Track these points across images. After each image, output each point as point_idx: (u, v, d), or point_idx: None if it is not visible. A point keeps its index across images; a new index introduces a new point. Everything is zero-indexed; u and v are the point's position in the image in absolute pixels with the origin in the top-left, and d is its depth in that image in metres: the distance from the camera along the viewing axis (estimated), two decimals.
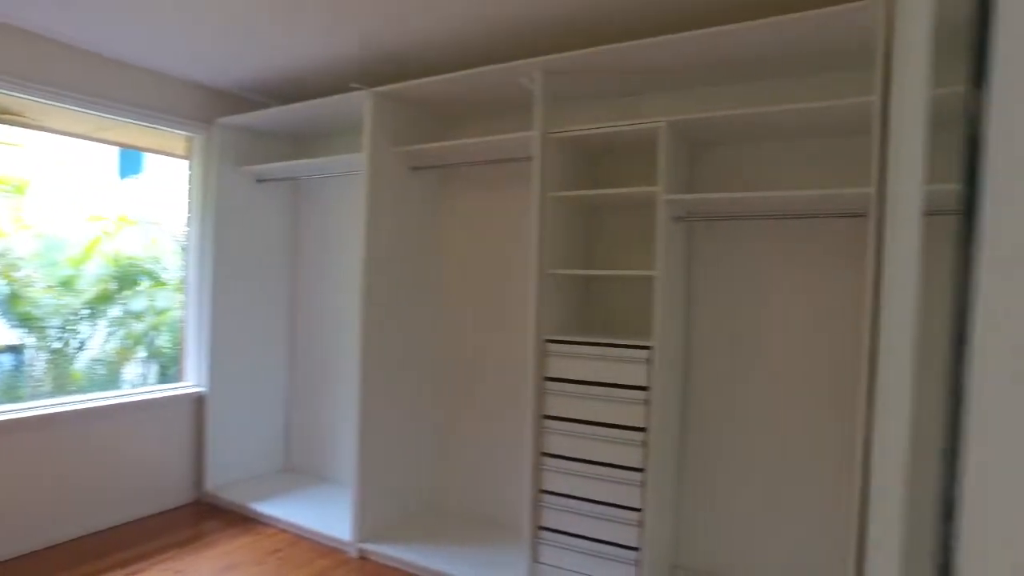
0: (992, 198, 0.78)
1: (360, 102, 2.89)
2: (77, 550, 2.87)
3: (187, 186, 3.55)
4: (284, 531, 3.15)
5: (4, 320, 3.03)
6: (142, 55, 3.07)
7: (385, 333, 3.00)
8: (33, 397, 3.02)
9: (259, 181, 3.66)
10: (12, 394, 2.98)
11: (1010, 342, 0.70)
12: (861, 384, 1.89)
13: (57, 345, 3.21)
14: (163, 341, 3.61)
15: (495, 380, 3.14)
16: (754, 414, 2.53)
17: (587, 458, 2.42)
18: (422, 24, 2.54)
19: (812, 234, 2.42)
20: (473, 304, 3.23)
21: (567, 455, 2.47)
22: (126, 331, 3.50)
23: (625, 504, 2.35)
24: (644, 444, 2.32)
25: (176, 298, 3.59)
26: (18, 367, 3.09)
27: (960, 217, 0.88)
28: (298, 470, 3.87)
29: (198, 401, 3.51)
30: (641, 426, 2.32)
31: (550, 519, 2.51)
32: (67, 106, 2.96)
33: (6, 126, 2.86)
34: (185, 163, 3.55)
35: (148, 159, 3.60)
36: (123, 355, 3.48)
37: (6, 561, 2.72)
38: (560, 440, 2.49)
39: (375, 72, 3.02)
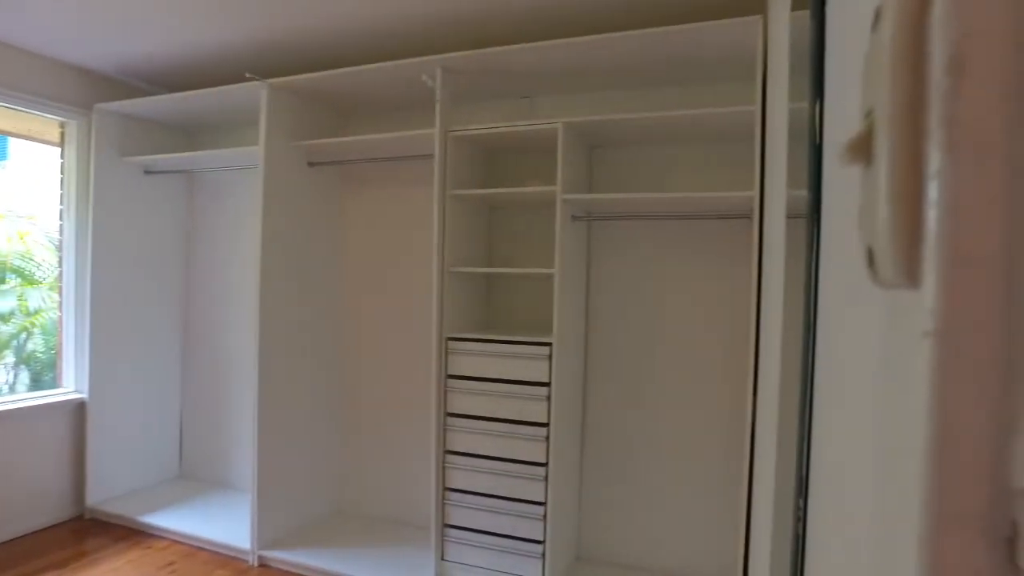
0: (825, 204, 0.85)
1: (256, 93, 2.77)
2: None
3: (60, 176, 3.27)
4: (178, 543, 2.98)
5: None
6: (7, 30, 2.79)
7: (285, 332, 2.90)
8: None
9: (147, 173, 3.43)
10: None
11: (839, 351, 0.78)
12: (748, 373, 2.01)
13: None
14: (36, 344, 3.32)
15: (399, 379, 3.11)
16: (652, 406, 2.65)
17: (491, 454, 2.45)
18: (317, 16, 2.46)
19: (705, 233, 2.55)
20: (376, 303, 3.18)
21: (471, 452, 2.49)
22: None
23: (529, 499, 2.40)
24: (546, 439, 2.37)
25: (51, 297, 3.30)
26: None
27: (808, 220, 0.96)
28: (194, 477, 3.67)
29: (78, 408, 3.25)
30: (543, 421, 2.37)
31: (456, 516, 2.53)
32: None
33: None
34: (57, 151, 3.27)
35: (13, 144, 3.29)
36: None
37: None
38: (464, 437, 2.50)
39: (277, 65, 2.89)
